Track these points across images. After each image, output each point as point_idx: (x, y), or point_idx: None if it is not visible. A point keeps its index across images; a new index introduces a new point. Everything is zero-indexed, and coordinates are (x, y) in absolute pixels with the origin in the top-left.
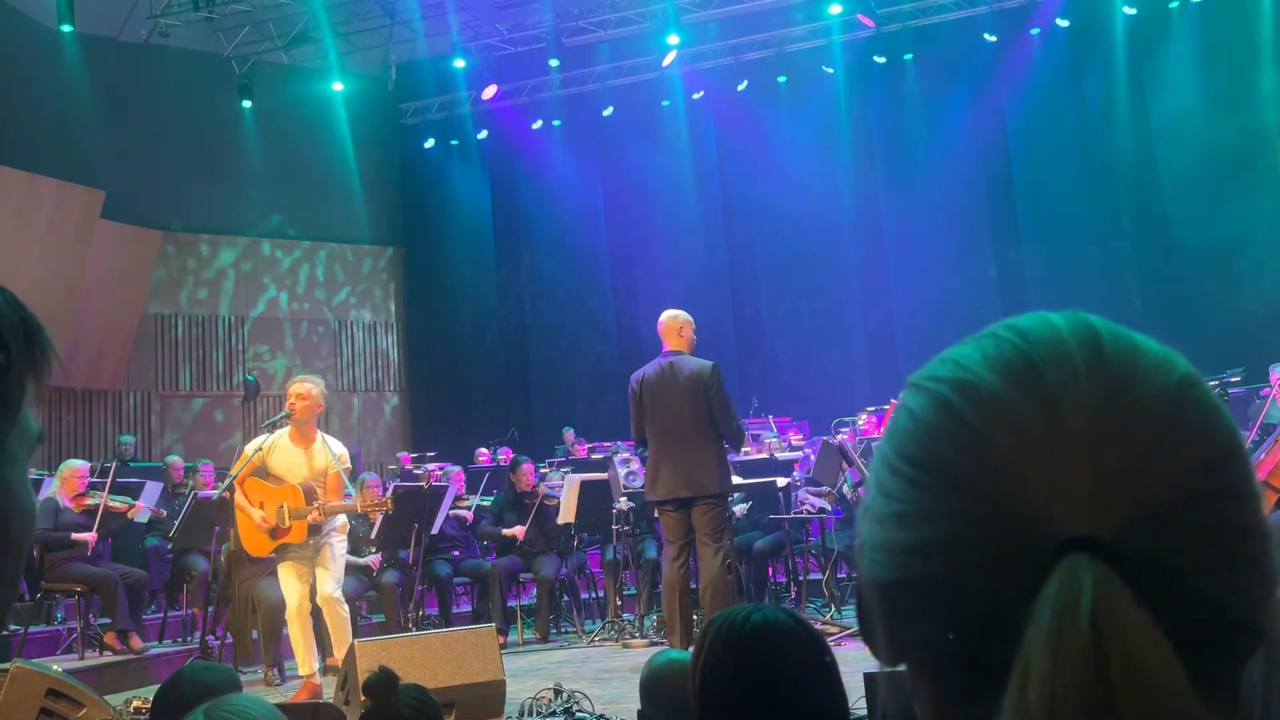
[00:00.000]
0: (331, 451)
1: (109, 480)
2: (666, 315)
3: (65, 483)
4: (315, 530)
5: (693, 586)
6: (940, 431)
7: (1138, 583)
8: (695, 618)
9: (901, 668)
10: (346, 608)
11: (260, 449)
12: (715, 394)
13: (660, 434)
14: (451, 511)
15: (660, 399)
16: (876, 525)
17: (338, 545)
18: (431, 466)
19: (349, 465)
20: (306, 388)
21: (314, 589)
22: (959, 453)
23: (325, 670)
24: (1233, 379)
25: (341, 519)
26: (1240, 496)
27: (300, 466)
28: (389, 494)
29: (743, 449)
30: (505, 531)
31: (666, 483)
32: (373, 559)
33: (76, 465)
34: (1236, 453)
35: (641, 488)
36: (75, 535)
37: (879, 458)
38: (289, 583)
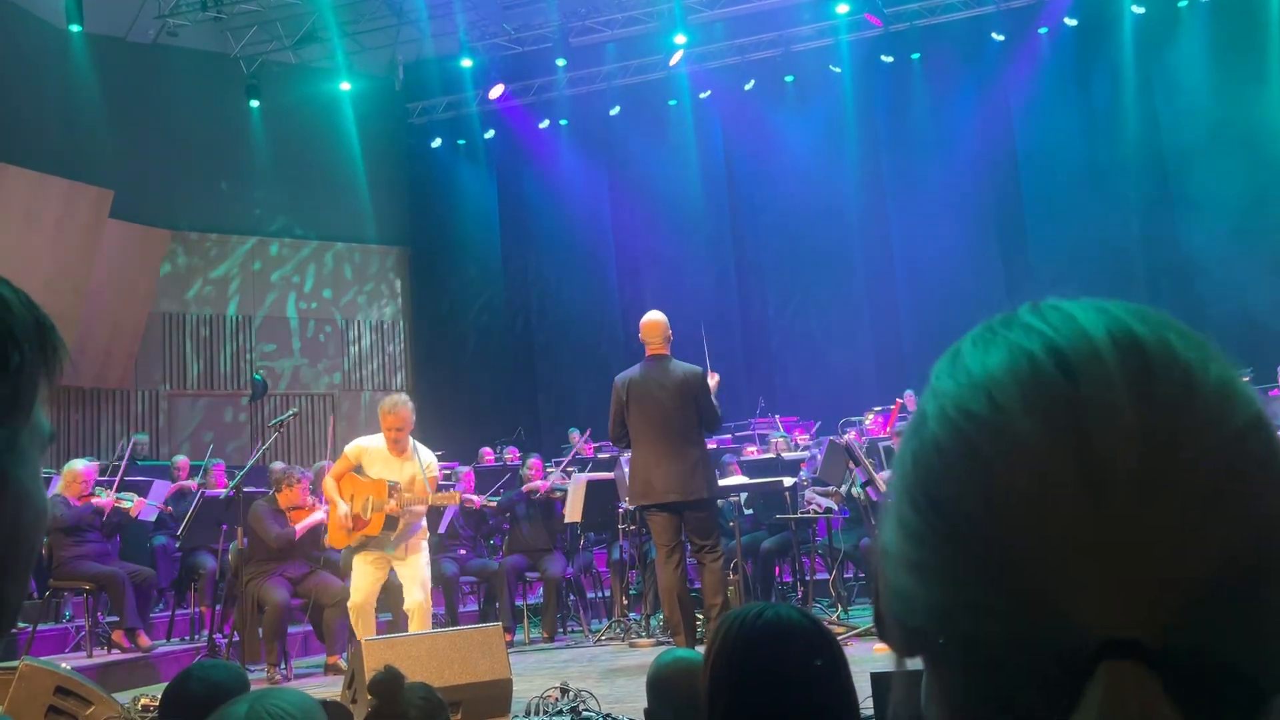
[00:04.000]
0: (422, 460)
1: (116, 480)
2: (653, 317)
3: (68, 485)
4: (391, 524)
5: (696, 586)
6: (968, 482)
7: (1175, 676)
8: (698, 618)
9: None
10: (429, 622)
11: (358, 449)
12: (705, 400)
13: (647, 437)
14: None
15: (649, 402)
16: (898, 568)
17: (424, 553)
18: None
19: (436, 474)
20: (392, 418)
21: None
22: (988, 513)
23: (327, 670)
24: (1242, 379)
25: (423, 527)
26: None
27: (393, 472)
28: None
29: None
30: (526, 487)
31: (656, 487)
32: None
33: (79, 469)
34: None
35: None
36: (96, 500)
37: (902, 482)
38: (362, 575)
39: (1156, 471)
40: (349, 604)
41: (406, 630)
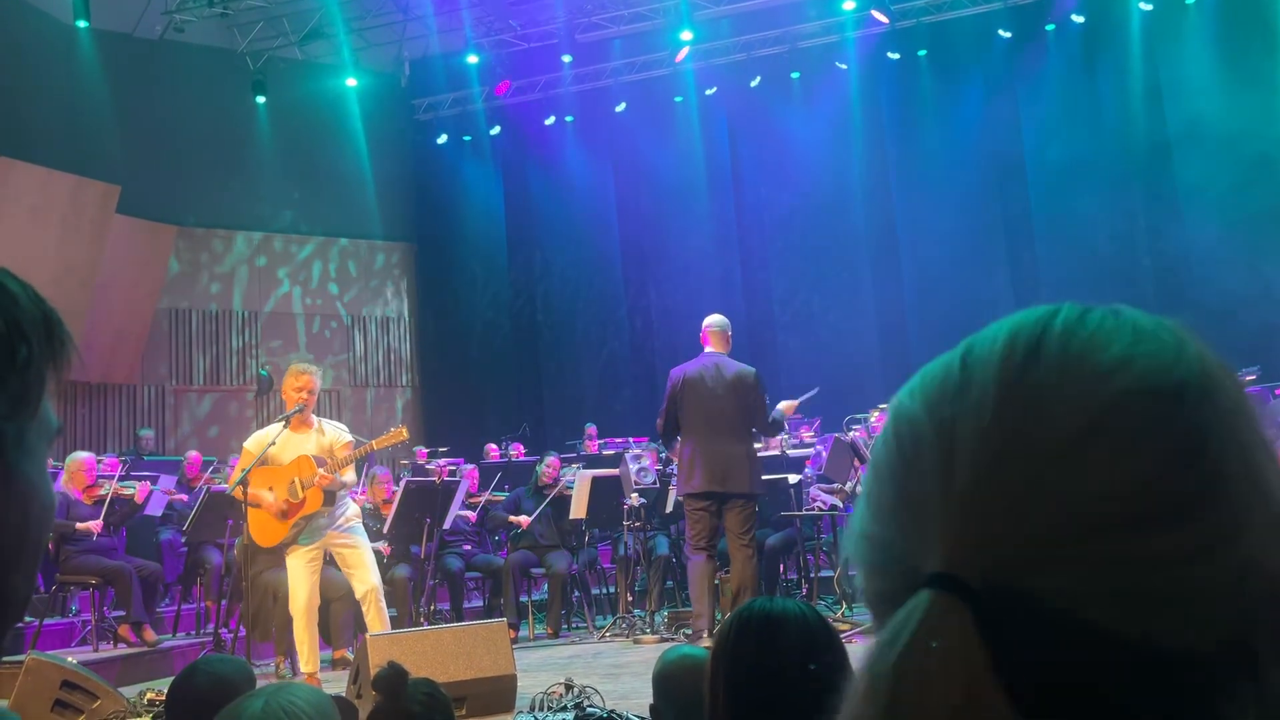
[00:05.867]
0: (334, 430)
1: (123, 472)
2: (717, 320)
3: (73, 476)
4: (330, 499)
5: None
6: (883, 455)
7: (1011, 621)
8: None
9: None
10: (385, 605)
11: (261, 444)
12: (758, 398)
13: (698, 430)
14: (459, 513)
15: (702, 396)
16: (856, 517)
17: (361, 530)
18: (441, 462)
19: (350, 441)
20: (312, 381)
21: (324, 585)
22: (884, 476)
23: (334, 664)
24: (1248, 377)
25: (353, 509)
26: (1171, 522)
27: (305, 449)
28: (401, 487)
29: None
30: (511, 518)
31: (703, 477)
32: (381, 546)
33: (82, 458)
34: (1178, 472)
35: (653, 484)
36: (80, 525)
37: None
38: (299, 577)
39: (999, 440)
40: (294, 608)
41: (364, 620)
